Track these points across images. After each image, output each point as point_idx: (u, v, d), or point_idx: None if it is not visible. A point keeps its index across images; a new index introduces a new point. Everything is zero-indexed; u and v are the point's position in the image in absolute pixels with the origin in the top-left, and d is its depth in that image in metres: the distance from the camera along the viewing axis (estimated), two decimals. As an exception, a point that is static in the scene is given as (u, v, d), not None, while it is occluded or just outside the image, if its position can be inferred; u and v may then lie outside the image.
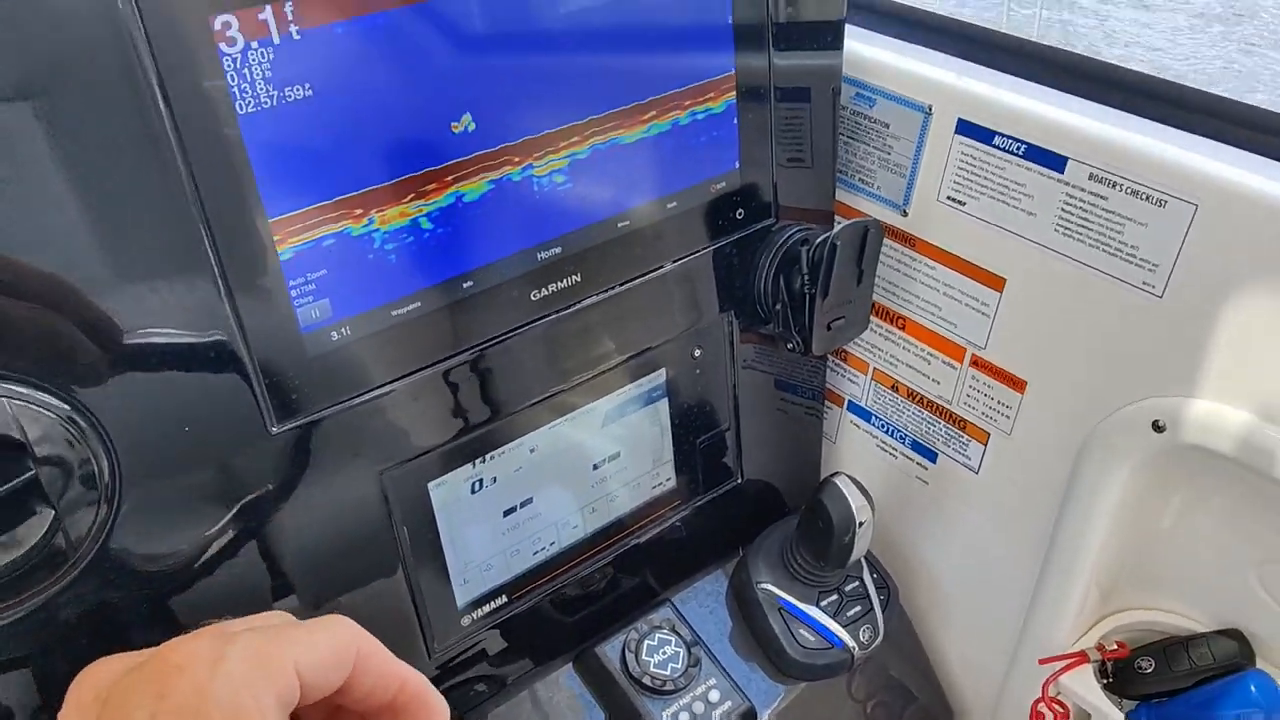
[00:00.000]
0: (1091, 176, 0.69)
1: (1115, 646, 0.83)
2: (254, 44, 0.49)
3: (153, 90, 0.48)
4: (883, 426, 0.94)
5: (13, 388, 0.49)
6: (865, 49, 0.80)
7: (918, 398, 0.89)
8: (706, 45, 0.68)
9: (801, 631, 0.84)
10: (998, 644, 0.90)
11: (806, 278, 0.75)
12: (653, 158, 0.68)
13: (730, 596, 0.90)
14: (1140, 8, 5.08)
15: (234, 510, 0.59)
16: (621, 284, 0.70)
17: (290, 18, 0.50)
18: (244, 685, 0.35)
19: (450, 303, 0.62)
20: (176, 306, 0.53)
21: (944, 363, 0.85)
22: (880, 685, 0.95)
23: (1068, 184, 0.70)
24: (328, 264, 0.56)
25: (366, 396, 0.61)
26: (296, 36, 0.50)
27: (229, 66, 0.49)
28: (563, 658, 0.85)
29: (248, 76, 0.50)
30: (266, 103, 0.51)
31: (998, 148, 0.73)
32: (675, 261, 0.73)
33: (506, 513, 0.74)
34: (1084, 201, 0.70)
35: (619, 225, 0.68)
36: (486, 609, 0.76)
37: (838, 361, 0.96)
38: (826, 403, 0.97)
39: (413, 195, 0.58)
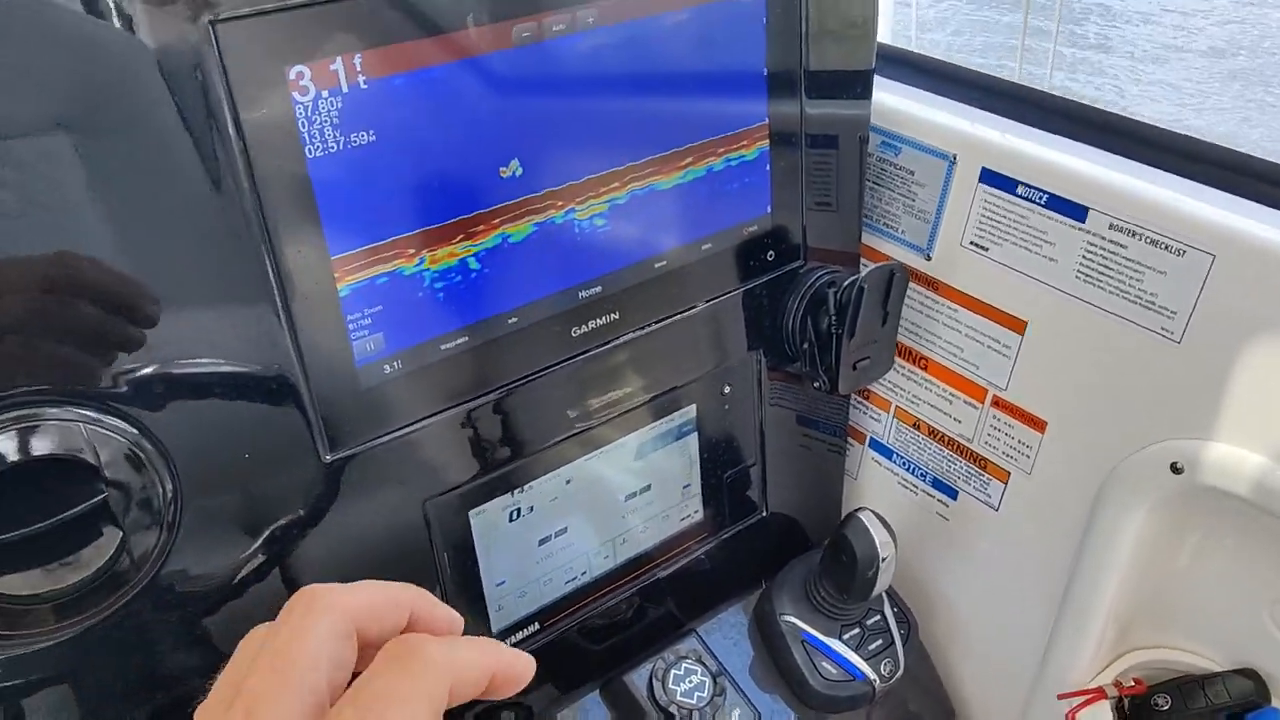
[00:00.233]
0: (1112, 226, 0.71)
1: (1133, 683, 0.83)
2: (324, 93, 0.52)
3: (229, 133, 0.51)
4: (904, 464, 0.96)
5: (85, 411, 0.51)
6: (892, 99, 0.83)
7: (939, 436, 0.91)
8: (742, 95, 0.71)
9: (824, 664, 0.86)
10: (1016, 679, 0.91)
11: (834, 318, 0.78)
12: (688, 202, 0.70)
13: (753, 628, 0.91)
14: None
15: (282, 535, 0.61)
16: (657, 322, 0.73)
17: (358, 69, 0.53)
18: None
19: (496, 338, 0.65)
20: (240, 338, 0.55)
21: (965, 402, 0.87)
22: (899, 718, 0.96)
23: (1089, 232, 0.73)
24: (383, 300, 0.59)
25: (415, 427, 0.63)
26: (364, 86, 0.53)
27: (301, 113, 0.52)
28: (590, 685, 0.86)
29: (317, 122, 0.53)
30: (333, 147, 0.54)
31: (1021, 197, 0.76)
32: (708, 301, 0.75)
33: (541, 542, 0.76)
34: (1104, 250, 0.72)
35: (655, 266, 0.71)
36: (519, 636, 0.78)
37: (861, 400, 0.97)
38: (849, 439, 0.99)
39: (462, 236, 0.61)
